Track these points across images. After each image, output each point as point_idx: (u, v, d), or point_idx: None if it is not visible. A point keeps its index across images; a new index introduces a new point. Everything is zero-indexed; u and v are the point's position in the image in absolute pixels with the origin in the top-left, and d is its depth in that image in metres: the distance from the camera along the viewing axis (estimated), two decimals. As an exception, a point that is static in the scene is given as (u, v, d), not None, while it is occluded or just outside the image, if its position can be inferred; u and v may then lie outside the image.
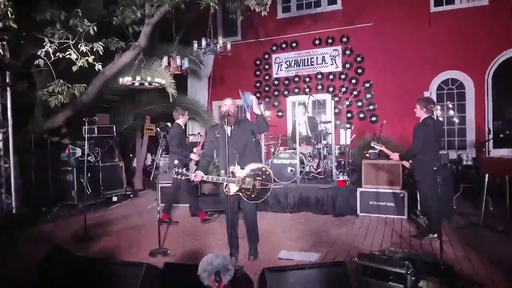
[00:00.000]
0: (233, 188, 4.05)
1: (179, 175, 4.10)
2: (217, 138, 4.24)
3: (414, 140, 4.82)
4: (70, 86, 6.29)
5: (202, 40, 6.96)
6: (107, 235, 5.56)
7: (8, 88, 6.23)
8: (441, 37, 8.96)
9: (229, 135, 4.14)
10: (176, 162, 5.40)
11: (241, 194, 4.09)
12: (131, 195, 8.58)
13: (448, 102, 9.23)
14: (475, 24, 8.69)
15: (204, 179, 4.17)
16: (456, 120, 9.17)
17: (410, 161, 5.17)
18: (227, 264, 2.06)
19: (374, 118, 9.66)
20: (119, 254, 4.59)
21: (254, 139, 4.56)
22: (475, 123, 8.89)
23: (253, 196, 4.11)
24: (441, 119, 9.20)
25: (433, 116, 4.82)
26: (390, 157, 5.39)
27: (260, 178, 4.11)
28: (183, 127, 6.53)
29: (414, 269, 3.31)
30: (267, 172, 4.17)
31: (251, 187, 4.08)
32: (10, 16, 4.94)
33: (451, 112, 9.24)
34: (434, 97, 9.23)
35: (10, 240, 5.40)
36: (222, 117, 4.20)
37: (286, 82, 10.73)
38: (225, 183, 4.01)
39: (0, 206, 6.09)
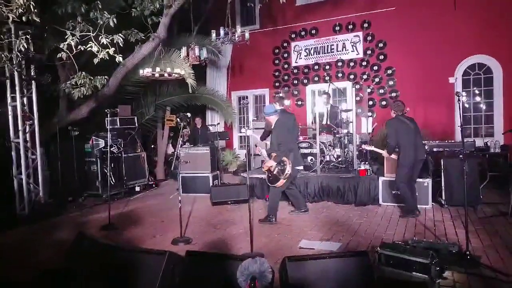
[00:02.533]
0: (264, 167, 5.44)
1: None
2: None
3: (388, 134, 5.56)
4: (92, 78, 6.40)
5: (220, 29, 6.92)
6: (131, 224, 5.68)
7: (33, 81, 6.38)
8: (467, 20, 8.60)
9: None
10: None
11: (266, 173, 5.44)
12: (153, 185, 8.72)
13: (475, 88, 8.91)
14: (503, 6, 8.30)
15: (261, 153, 5.50)
16: (483, 107, 8.85)
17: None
18: (264, 271, 2.06)
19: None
20: (142, 242, 4.68)
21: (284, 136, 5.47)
22: (504, 109, 8.55)
23: (270, 178, 5.35)
24: (467, 105, 8.90)
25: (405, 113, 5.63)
26: (382, 154, 6.00)
27: (279, 168, 5.22)
28: None
29: (438, 259, 3.24)
30: (285, 166, 5.20)
31: (272, 170, 5.28)
32: (33, 10, 5.03)
33: (478, 98, 8.92)
34: (459, 83, 8.93)
35: (39, 228, 5.60)
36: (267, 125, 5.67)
37: (306, 70, 10.59)
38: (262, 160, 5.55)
39: (29, 196, 6.30)
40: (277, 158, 5.24)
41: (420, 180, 5.88)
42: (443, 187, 5.88)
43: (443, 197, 5.86)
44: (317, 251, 4.04)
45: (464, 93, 8.86)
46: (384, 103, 9.63)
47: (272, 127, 5.47)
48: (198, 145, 8.26)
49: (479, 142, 7.79)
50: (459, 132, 8.05)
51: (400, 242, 3.84)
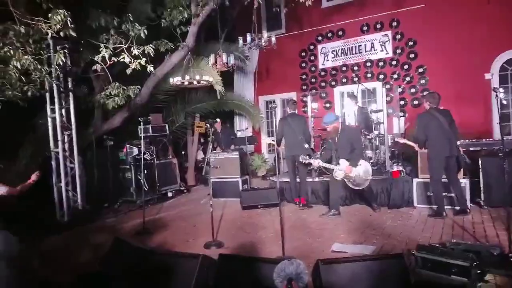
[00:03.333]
0: (339, 175, 5.66)
1: (305, 160, 5.78)
2: (331, 142, 5.97)
3: (417, 127, 5.42)
4: (125, 88, 6.65)
5: (247, 35, 7.00)
6: (164, 228, 5.81)
7: (70, 93, 6.69)
8: (501, 13, 8.23)
9: (336, 141, 5.84)
10: (306, 146, 6.29)
11: (345, 180, 5.71)
12: (185, 191, 8.89)
13: (513, 84, 8.50)
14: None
15: (321, 164, 5.75)
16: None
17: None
18: (300, 272, 2.08)
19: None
20: (175, 246, 4.77)
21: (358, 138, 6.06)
22: (546, 105, 8.10)
23: (355, 183, 5.69)
24: (505, 102, 8.49)
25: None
26: (415, 148, 5.96)
27: (362, 170, 5.67)
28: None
29: (478, 262, 3.10)
30: (366, 167, 5.71)
31: (353, 175, 5.63)
32: (69, 25, 5.29)
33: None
34: (496, 79, 8.54)
35: (77, 234, 5.83)
36: (328, 134, 6.04)
37: (333, 72, 10.48)
38: (335, 170, 5.66)
39: (68, 203, 6.59)
40: (353, 163, 5.65)
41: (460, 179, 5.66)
42: (481, 187, 5.63)
43: (482, 198, 5.62)
44: (350, 254, 3.97)
45: (501, 89, 8.45)
46: (416, 102, 9.37)
47: (339, 135, 5.79)
48: (226, 150, 8.35)
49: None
50: (498, 129, 7.71)
51: (437, 245, 3.71)
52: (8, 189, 4.54)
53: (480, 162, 5.68)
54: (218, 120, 9.93)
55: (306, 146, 6.24)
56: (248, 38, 7.10)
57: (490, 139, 6.72)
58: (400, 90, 9.37)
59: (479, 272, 3.06)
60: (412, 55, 9.39)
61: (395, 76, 9.57)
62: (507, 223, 3.64)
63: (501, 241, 4.10)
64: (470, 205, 5.60)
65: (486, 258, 3.40)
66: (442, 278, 3.12)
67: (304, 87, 10.88)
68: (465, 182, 5.61)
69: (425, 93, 9.15)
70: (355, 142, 5.77)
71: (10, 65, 5.35)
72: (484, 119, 8.43)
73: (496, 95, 3.80)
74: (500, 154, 3.76)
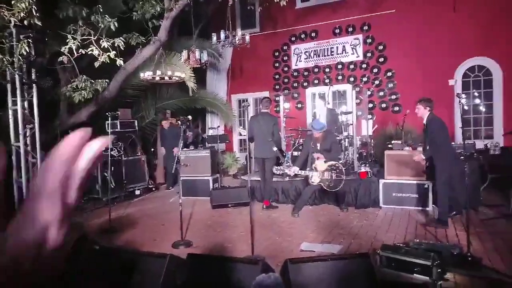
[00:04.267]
0: (316, 180, 5.77)
1: (279, 171, 6.08)
2: (311, 148, 6.01)
3: (440, 134, 4.95)
4: (93, 81, 6.43)
5: (221, 32, 6.95)
6: (131, 227, 5.68)
7: (34, 85, 6.39)
8: (466, 22, 8.63)
9: (319, 147, 6.00)
10: (275, 149, 6.24)
11: (322, 184, 5.76)
12: (153, 189, 8.72)
13: (474, 90, 8.92)
14: (502, 8, 8.33)
15: (297, 172, 5.91)
16: (483, 109, 8.86)
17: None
18: (278, 284, 2.07)
19: (396, 108, 9.44)
20: (143, 245, 4.67)
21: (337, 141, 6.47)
22: (503, 111, 8.56)
23: (331, 185, 5.75)
24: (466, 108, 8.90)
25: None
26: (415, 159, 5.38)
27: (335, 172, 5.76)
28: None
29: (440, 261, 3.24)
30: (340, 167, 5.80)
31: (329, 177, 5.75)
32: (34, 14, 5.06)
33: (477, 101, 8.93)
34: (459, 85, 8.94)
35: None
36: (315, 140, 6.02)
37: (306, 73, 10.61)
38: (310, 175, 5.80)
39: (29, 200, 6.30)
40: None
41: (420, 182, 5.88)
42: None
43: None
44: (318, 254, 4.03)
45: (464, 95, 8.86)
46: (384, 105, 9.65)
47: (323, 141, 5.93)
48: (198, 148, 8.27)
49: (479, 144, 7.79)
50: (460, 134, 8.04)
51: (401, 244, 3.84)
52: None
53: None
54: (168, 113, 9.83)
55: (275, 149, 6.24)
56: (222, 35, 7.05)
57: (453, 143, 7.03)
58: (369, 93, 9.62)
59: (440, 271, 3.19)
60: (381, 59, 9.66)
61: (365, 79, 9.81)
62: (466, 223, 3.81)
63: (460, 241, 4.30)
64: (432, 206, 5.83)
65: (447, 258, 3.55)
66: (405, 277, 3.24)
67: (277, 87, 10.95)
68: (428, 183, 5.84)
69: (393, 96, 9.50)
70: (334, 145, 6.04)
71: (-33, 53, 5.05)
72: (448, 123, 8.74)
73: (459, 101, 3.97)
74: (461, 157, 3.93)
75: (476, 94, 8.94)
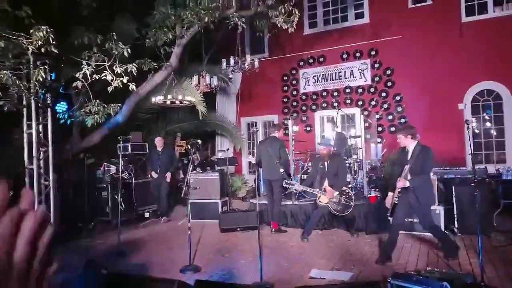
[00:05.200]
0: (324, 200, 5.79)
1: (288, 185, 6.07)
2: (319, 168, 6.02)
3: (430, 162, 4.71)
4: (106, 106, 6.58)
5: (231, 58, 7.12)
6: (139, 251, 5.67)
7: (48, 109, 6.56)
8: (473, 47, 8.69)
9: (326, 167, 5.96)
10: (281, 171, 6.25)
11: (329, 205, 5.79)
12: (163, 211, 8.71)
13: (485, 114, 8.88)
14: (509, 31, 8.39)
15: (304, 189, 6.10)
16: (494, 133, 8.79)
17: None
18: None
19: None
20: (151, 270, 4.66)
21: (345, 166, 6.58)
22: (515, 135, 8.48)
23: (338, 209, 5.79)
24: (477, 131, 8.84)
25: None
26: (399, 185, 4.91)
27: (345, 197, 5.82)
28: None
29: (453, 291, 3.16)
30: (350, 193, 5.89)
31: (337, 201, 5.78)
32: (51, 42, 5.25)
33: (488, 124, 8.87)
34: (469, 109, 8.91)
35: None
36: (322, 157, 6.03)
37: (314, 97, 10.71)
38: (318, 195, 5.83)
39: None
40: (337, 188, 5.83)
41: (432, 207, 5.79)
42: (455, 215, 5.79)
43: (456, 225, 5.76)
44: (328, 281, 3.97)
45: (474, 119, 8.83)
46: (393, 129, 9.64)
47: (329, 161, 5.92)
48: (207, 171, 8.29)
49: (491, 169, 7.69)
50: (469, 159, 7.96)
51: (412, 272, 3.76)
52: None
53: (453, 190, 5.85)
54: (178, 136, 9.55)
55: (281, 170, 6.27)
56: (232, 61, 7.23)
57: (463, 167, 6.96)
58: (377, 116, 9.65)
59: (453, 300, 3.11)
60: (389, 83, 9.72)
61: (373, 103, 9.85)
62: (479, 251, 3.73)
63: (473, 268, 4.20)
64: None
65: (460, 287, 3.46)
66: (417, 307, 3.15)
67: (286, 110, 11.05)
68: (439, 209, 5.75)
69: (402, 120, 9.49)
70: (341, 169, 5.98)
71: (-13, 79, 5.23)
72: (458, 147, 8.74)
73: (468, 127, 3.96)
74: (472, 184, 3.89)
75: (486, 117, 8.90)
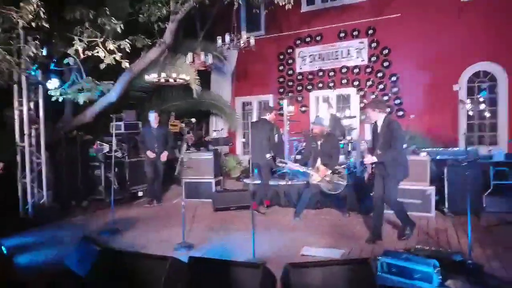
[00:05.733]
0: (316, 179, 5.78)
1: (282, 163, 6.14)
2: (312, 147, 6.00)
3: (400, 137, 4.65)
4: (98, 83, 6.49)
5: (226, 35, 6.99)
6: (133, 228, 5.71)
7: (39, 86, 6.46)
8: (471, 28, 8.60)
9: (319, 145, 5.92)
10: (268, 156, 6.27)
11: (321, 184, 5.78)
12: (157, 190, 8.73)
13: (479, 96, 8.88)
14: (508, 12, 8.30)
15: (298, 169, 6.07)
16: (488, 115, 8.81)
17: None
18: None
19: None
20: (145, 247, 4.70)
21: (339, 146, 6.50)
22: (509, 117, 8.51)
23: (330, 187, 5.77)
24: (471, 113, 8.86)
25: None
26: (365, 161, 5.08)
27: (337, 175, 5.80)
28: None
29: (440, 268, 3.23)
30: (342, 172, 5.86)
31: (329, 179, 5.78)
32: (42, 16, 5.12)
33: (482, 106, 8.88)
34: (464, 91, 8.90)
35: (42, 232, 5.64)
36: (314, 136, 5.97)
37: (310, 76, 10.62)
38: (311, 174, 5.81)
39: (33, 200, 6.36)
40: (330, 167, 5.82)
41: (423, 188, 5.87)
42: (446, 195, 5.86)
43: (446, 205, 5.84)
44: (319, 258, 4.04)
45: (468, 100, 8.83)
46: (388, 110, 9.61)
47: (323, 140, 5.87)
48: (200, 150, 8.25)
49: (483, 150, 7.75)
50: (463, 140, 8.02)
51: (402, 250, 3.84)
52: None
53: (445, 170, 5.90)
54: (172, 115, 8.87)
55: (268, 156, 6.26)
56: (227, 38, 7.10)
57: (456, 148, 7.02)
58: (373, 97, 9.60)
59: (441, 277, 3.19)
60: (386, 63, 9.65)
61: (369, 83, 9.80)
62: (469, 230, 3.80)
63: (462, 247, 4.29)
64: (435, 212, 5.81)
65: (448, 264, 3.54)
66: (406, 284, 3.23)
67: (281, 90, 10.97)
68: (430, 189, 5.82)
69: (397, 101, 9.47)
70: (335, 148, 5.99)
71: (-25, 54, 5.11)
72: (452, 129, 8.78)
73: (462, 108, 3.96)
74: (463, 164, 3.92)
75: (481, 99, 8.89)
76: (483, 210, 5.65)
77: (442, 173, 5.96)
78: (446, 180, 5.86)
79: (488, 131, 8.82)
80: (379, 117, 4.73)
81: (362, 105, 8.75)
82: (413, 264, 3.27)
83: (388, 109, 4.82)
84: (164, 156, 7.34)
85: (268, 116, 6.52)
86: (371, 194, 5.07)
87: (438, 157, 6.33)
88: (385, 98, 9.64)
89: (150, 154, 7.21)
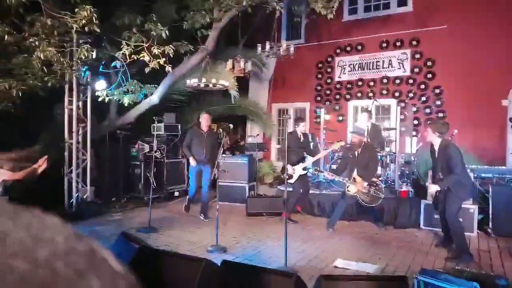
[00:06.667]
0: (352, 190, 5.62)
1: (317, 172, 6.29)
2: (350, 158, 5.94)
3: (459, 160, 4.51)
4: (142, 86, 6.75)
5: (266, 43, 7.07)
6: (169, 228, 5.86)
7: (88, 86, 6.82)
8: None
9: (356, 157, 5.82)
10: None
11: (358, 195, 5.62)
12: (192, 192, 8.92)
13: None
14: None
15: (334, 178, 5.91)
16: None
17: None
18: None
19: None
20: (178, 247, 4.81)
21: (377, 158, 6.30)
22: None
23: (367, 200, 5.61)
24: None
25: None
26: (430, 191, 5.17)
27: (374, 188, 5.65)
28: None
29: (483, 292, 3.08)
30: (380, 185, 5.72)
31: (366, 191, 5.61)
32: (94, 21, 5.42)
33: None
34: (513, 106, 8.46)
35: (84, 226, 5.92)
36: (354, 145, 5.88)
37: (349, 85, 10.48)
38: (347, 185, 5.67)
39: (77, 194, 6.69)
40: (367, 179, 5.68)
41: (466, 206, 5.61)
42: (490, 215, 5.57)
43: (490, 226, 5.55)
44: (353, 272, 3.96)
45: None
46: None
47: (360, 150, 5.79)
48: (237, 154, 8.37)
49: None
50: (511, 159, 7.60)
51: (441, 270, 3.68)
52: (10, 175, 4.39)
53: (490, 189, 5.62)
54: (205, 114, 6.74)
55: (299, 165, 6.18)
56: (267, 46, 7.17)
57: (503, 167, 6.67)
58: (414, 109, 9.34)
59: (482, 302, 3.03)
60: (429, 75, 9.35)
61: (411, 95, 9.53)
62: (514, 254, 3.60)
63: (506, 271, 4.06)
64: (478, 232, 5.54)
65: (490, 289, 3.36)
66: (444, 305, 3.10)
67: (318, 98, 10.90)
68: (473, 208, 5.56)
69: (440, 114, 9.14)
70: (373, 160, 5.84)
71: (33, 55, 5.48)
72: (499, 146, 8.35)
73: (511, 125, 3.78)
74: (511, 184, 3.73)
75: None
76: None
77: (487, 191, 5.68)
78: (491, 199, 5.57)
79: (538, 150, 8.30)
80: (435, 140, 4.72)
81: (403, 117, 8.51)
82: (452, 285, 3.13)
83: (446, 137, 4.82)
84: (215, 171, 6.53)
85: (298, 128, 6.42)
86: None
87: (483, 175, 6.04)
88: (427, 110, 9.34)
89: (192, 162, 6.35)
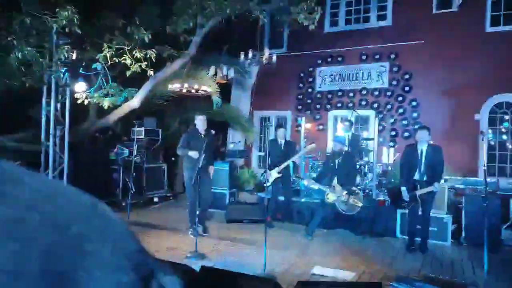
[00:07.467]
0: (331, 198, 5.72)
1: (298, 178, 6.60)
2: (330, 166, 6.05)
3: (442, 161, 5.23)
4: (123, 89, 6.67)
5: (249, 51, 7.13)
6: (147, 233, 5.77)
7: (67, 88, 6.68)
8: (495, 58, 8.55)
9: (336, 165, 5.95)
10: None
11: (337, 204, 5.72)
12: (171, 197, 8.83)
13: (501, 127, 8.75)
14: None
15: (314, 186, 6.00)
16: (510, 146, 8.66)
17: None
18: None
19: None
20: (158, 253, 4.75)
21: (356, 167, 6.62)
22: (531, 150, 8.34)
23: (346, 208, 5.69)
24: (492, 143, 8.72)
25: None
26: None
27: (353, 196, 5.70)
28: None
29: (455, 299, 3.17)
30: (359, 194, 5.78)
31: (345, 200, 5.69)
32: (76, 22, 5.34)
33: (504, 137, 8.74)
34: (485, 121, 8.79)
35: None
36: (334, 155, 6.06)
37: (329, 96, 10.66)
38: (327, 192, 5.76)
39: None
40: (347, 188, 5.81)
41: (440, 215, 5.78)
42: (463, 225, 5.75)
43: (463, 235, 5.73)
44: (330, 279, 4.00)
45: (490, 131, 8.71)
46: (406, 134, 9.56)
47: (341, 159, 5.93)
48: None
49: (504, 182, 7.59)
50: (482, 171, 7.88)
51: (415, 277, 3.78)
52: None
53: (463, 200, 5.81)
54: (201, 115, 6.31)
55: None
56: (250, 54, 7.24)
57: (475, 178, 6.90)
58: (392, 120, 9.57)
59: (454, 308, 3.13)
60: (406, 88, 9.63)
61: (389, 106, 9.77)
62: (484, 262, 3.72)
63: (477, 279, 4.19)
64: (451, 241, 5.70)
65: (462, 296, 3.47)
66: (417, 311, 3.18)
67: (300, 107, 11.02)
68: (447, 218, 5.73)
69: (416, 126, 9.36)
70: (352, 169, 6.02)
71: (11, 55, 5.34)
72: (472, 158, 8.63)
73: (482, 139, 3.94)
74: (483, 195, 3.87)
75: (503, 130, 8.76)
76: (501, 243, 5.51)
77: (460, 202, 5.87)
78: (464, 210, 5.76)
79: (509, 163, 8.65)
80: (425, 143, 5.17)
81: (381, 127, 8.71)
82: (426, 292, 3.22)
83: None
84: (211, 171, 6.14)
85: (279, 133, 6.70)
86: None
87: (456, 186, 6.24)
88: (404, 122, 9.59)
89: (195, 155, 5.64)
